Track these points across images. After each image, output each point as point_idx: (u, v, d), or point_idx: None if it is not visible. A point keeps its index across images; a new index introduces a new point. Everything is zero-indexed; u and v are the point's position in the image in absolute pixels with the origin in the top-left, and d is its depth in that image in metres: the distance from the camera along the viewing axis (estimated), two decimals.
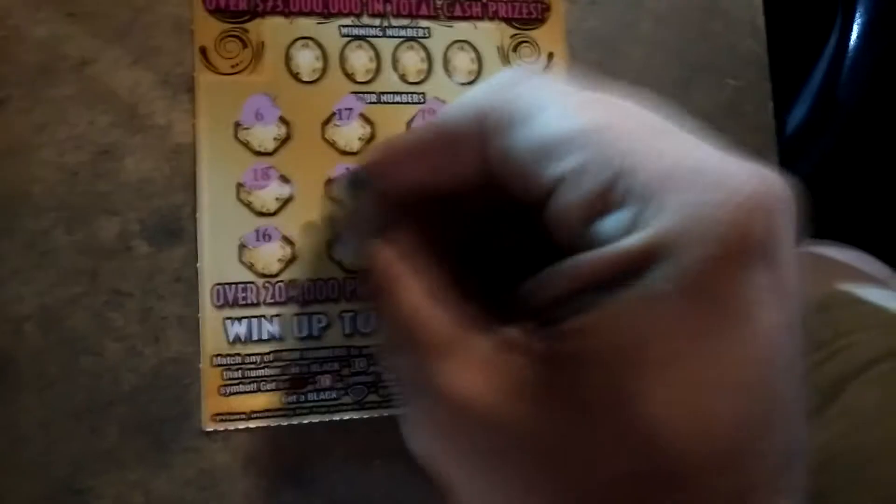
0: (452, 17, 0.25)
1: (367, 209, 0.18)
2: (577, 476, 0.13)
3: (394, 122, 0.24)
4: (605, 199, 0.14)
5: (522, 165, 0.15)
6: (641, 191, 0.13)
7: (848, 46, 0.33)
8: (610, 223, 0.14)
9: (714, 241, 0.13)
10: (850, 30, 0.33)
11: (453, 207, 0.18)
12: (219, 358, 0.22)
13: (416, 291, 0.16)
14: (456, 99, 0.18)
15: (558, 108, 0.15)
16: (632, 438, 0.13)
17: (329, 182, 0.24)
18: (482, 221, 0.19)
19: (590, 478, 0.13)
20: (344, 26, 0.24)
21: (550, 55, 0.26)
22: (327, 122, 0.24)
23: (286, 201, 0.23)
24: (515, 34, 0.26)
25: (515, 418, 0.14)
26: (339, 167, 0.24)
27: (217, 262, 0.23)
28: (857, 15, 0.33)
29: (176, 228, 0.23)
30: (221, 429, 0.22)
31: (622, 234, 0.14)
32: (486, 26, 0.25)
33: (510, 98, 0.16)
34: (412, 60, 0.25)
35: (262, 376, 0.23)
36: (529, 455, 0.14)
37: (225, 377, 0.22)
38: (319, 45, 0.24)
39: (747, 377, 0.13)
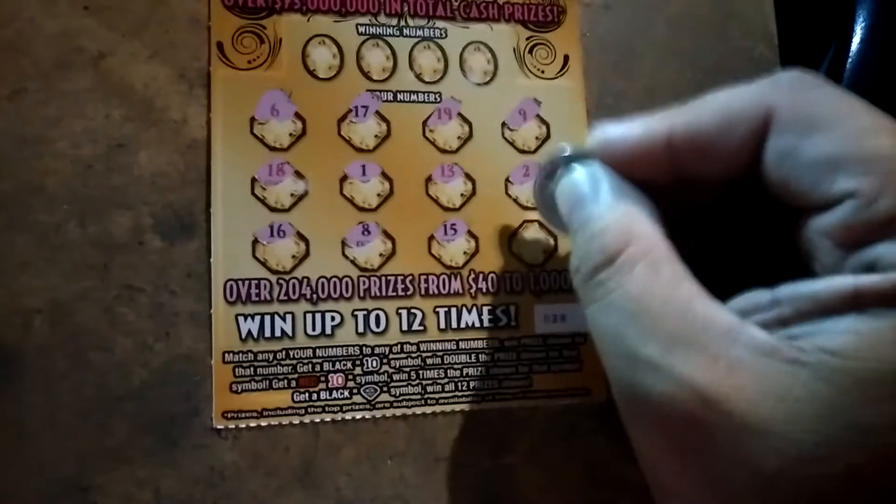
0: (468, 19, 0.25)
1: (592, 178, 0.18)
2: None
3: (409, 121, 0.24)
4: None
5: (807, 170, 0.15)
6: None
7: (849, 51, 0.33)
8: (893, 249, 0.14)
9: None
10: (852, 34, 0.33)
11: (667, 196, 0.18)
12: (230, 355, 0.22)
13: (665, 272, 0.15)
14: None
15: (855, 123, 0.15)
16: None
17: (344, 178, 0.23)
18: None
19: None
20: (361, 25, 0.24)
21: (566, 57, 0.26)
22: (343, 118, 0.24)
23: (300, 197, 0.23)
24: (531, 36, 0.26)
25: (770, 425, 0.14)
26: (354, 164, 0.24)
27: (230, 257, 0.22)
28: (859, 19, 0.33)
29: (189, 223, 0.22)
30: (231, 426, 0.22)
31: None
32: (502, 28, 0.25)
33: (804, 101, 0.16)
34: (428, 60, 0.25)
35: (273, 374, 0.22)
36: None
37: (236, 374, 0.22)
38: (336, 43, 0.24)
39: None
